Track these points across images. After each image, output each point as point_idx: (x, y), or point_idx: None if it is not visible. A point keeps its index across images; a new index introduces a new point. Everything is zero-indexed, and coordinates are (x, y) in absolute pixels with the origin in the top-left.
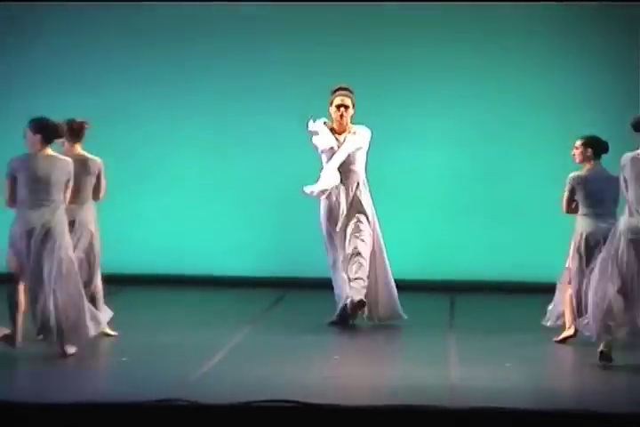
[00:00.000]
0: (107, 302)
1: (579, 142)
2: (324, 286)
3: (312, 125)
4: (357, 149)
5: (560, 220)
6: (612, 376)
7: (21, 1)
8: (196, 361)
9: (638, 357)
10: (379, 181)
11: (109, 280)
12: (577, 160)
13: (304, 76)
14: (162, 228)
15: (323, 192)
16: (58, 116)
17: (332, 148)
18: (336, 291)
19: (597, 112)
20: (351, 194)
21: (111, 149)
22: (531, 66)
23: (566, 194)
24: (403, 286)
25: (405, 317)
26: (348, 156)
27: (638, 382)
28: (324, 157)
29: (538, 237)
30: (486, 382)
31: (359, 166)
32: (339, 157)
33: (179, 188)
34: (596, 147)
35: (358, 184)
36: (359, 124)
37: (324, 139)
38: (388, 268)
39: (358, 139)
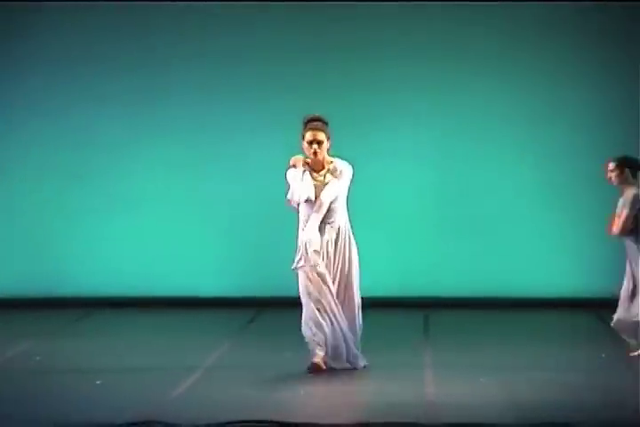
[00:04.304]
0: (79, 326)
1: (612, 165)
2: (297, 304)
3: (290, 173)
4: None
5: (535, 236)
6: (587, 390)
7: None
8: (171, 383)
9: (616, 371)
10: (352, 198)
11: (80, 304)
12: (615, 183)
13: (276, 94)
14: (133, 249)
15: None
16: (15, 139)
17: (308, 199)
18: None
19: (570, 125)
20: (334, 234)
21: (80, 171)
22: (504, 80)
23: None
24: (376, 303)
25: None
26: None
27: (615, 395)
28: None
29: (511, 253)
30: (461, 398)
31: (341, 205)
32: (319, 214)
33: (149, 208)
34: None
35: (341, 224)
36: (338, 139)
37: (299, 189)
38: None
39: (338, 184)
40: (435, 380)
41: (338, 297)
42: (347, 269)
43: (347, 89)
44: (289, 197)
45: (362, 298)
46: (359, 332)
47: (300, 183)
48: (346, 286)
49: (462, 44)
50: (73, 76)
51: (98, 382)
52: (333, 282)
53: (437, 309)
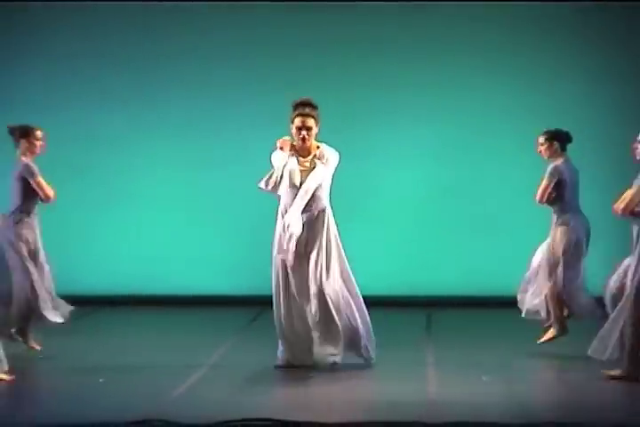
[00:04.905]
0: (82, 324)
1: (542, 138)
2: None
3: (276, 156)
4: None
5: (535, 233)
6: (589, 389)
7: None
8: (172, 381)
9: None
10: (352, 197)
11: (82, 302)
12: (544, 156)
13: (273, 90)
14: (134, 246)
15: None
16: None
17: (293, 185)
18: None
19: (571, 120)
20: (314, 222)
21: (80, 170)
22: (504, 74)
23: None
24: (378, 302)
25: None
26: None
27: (616, 395)
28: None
29: (513, 251)
30: (463, 397)
31: (324, 192)
32: (303, 200)
33: (150, 207)
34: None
35: (322, 211)
36: (327, 139)
37: (286, 177)
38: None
39: (324, 171)
40: (437, 378)
41: (316, 286)
42: (324, 256)
43: (346, 84)
44: (261, 183)
45: (364, 297)
46: (350, 322)
47: (272, 173)
48: (322, 276)
49: (463, 39)
50: (73, 71)
51: (101, 380)
52: (309, 272)
53: (440, 307)
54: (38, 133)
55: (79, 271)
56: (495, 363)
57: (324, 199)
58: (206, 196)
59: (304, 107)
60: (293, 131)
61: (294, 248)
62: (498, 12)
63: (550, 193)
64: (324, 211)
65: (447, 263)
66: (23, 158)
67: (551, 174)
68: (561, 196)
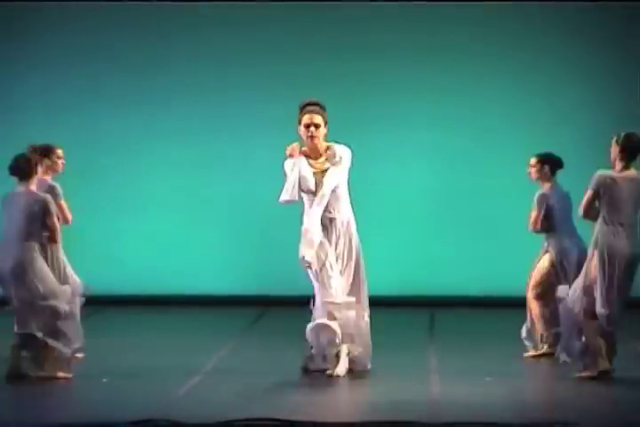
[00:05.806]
0: (86, 324)
1: (534, 160)
2: (303, 304)
3: (287, 164)
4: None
5: (538, 235)
6: (591, 390)
7: None
8: (177, 381)
9: (618, 371)
10: (357, 197)
11: (88, 301)
12: (533, 177)
13: (280, 92)
14: (140, 248)
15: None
16: (17, 139)
17: (308, 190)
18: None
19: (571, 125)
20: (337, 220)
21: (88, 170)
22: (504, 79)
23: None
24: (382, 302)
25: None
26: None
27: (616, 395)
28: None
29: (516, 252)
30: (467, 397)
31: (342, 189)
32: (321, 206)
33: (157, 208)
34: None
35: (348, 216)
36: (338, 140)
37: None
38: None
39: (338, 172)
40: (439, 379)
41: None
42: (354, 261)
43: (346, 90)
44: (281, 198)
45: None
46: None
47: (287, 183)
48: (354, 279)
49: (463, 45)
50: (76, 76)
51: (104, 380)
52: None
53: (443, 307)
54: (59, 152)
55: (79, 272)
56: (497, 363)
57: (345, 200)
58: (208, 196)
59: (311, 106)
60: (301, 130)
61: (309, 257)
62: (498, 16)
63: (542, 221)
64: (348, 214)
65: (450, 264)
66: (45, 178)
67: (539, 203)
68: (551, 223)
